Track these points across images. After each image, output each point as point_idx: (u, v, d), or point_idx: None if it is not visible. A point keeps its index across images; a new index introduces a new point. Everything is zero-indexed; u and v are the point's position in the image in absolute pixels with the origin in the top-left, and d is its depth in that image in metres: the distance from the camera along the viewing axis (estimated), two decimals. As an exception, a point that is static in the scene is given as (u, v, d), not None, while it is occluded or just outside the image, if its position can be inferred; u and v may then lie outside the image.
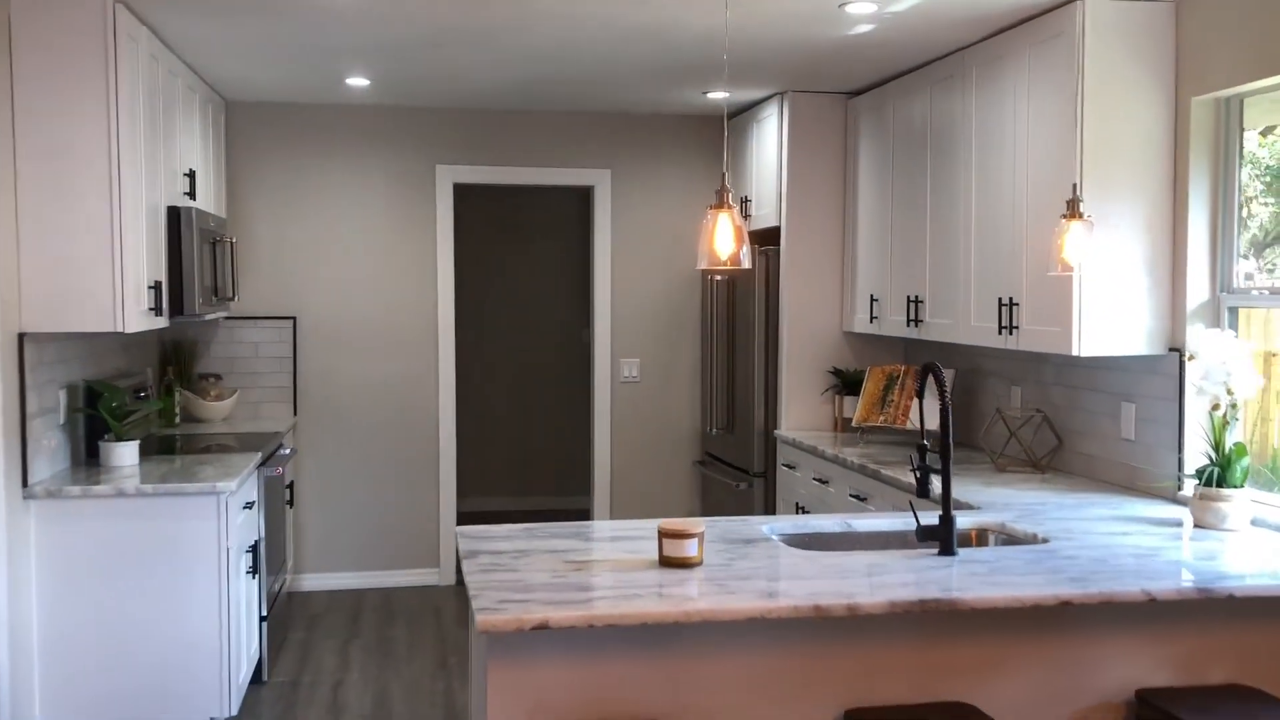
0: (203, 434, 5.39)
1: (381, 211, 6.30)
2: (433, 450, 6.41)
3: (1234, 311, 3.67)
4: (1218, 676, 2.83)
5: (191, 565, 4.01)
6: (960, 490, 3.85)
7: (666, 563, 2.78)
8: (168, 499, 3.98)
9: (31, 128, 3.84)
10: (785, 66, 5.02)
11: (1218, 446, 3.28)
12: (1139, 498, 3.80)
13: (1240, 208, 3.68)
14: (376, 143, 6.27)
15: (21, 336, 3.84)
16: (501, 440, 8.41)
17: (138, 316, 4.10)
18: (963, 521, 3.35)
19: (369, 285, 6.29)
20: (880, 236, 5.27)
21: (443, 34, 4.44)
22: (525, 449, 8.46)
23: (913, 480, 4.04)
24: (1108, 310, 3.77)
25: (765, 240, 5.81)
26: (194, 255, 4.65)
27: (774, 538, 3.15)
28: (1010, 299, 4.09)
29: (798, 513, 5.24)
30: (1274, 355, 3.50)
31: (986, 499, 3.75)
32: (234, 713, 4.18)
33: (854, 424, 5.21)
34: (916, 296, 4.88)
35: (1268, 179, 3.67)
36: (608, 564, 2.83)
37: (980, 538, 3.38)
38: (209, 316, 5.27)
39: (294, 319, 6.20)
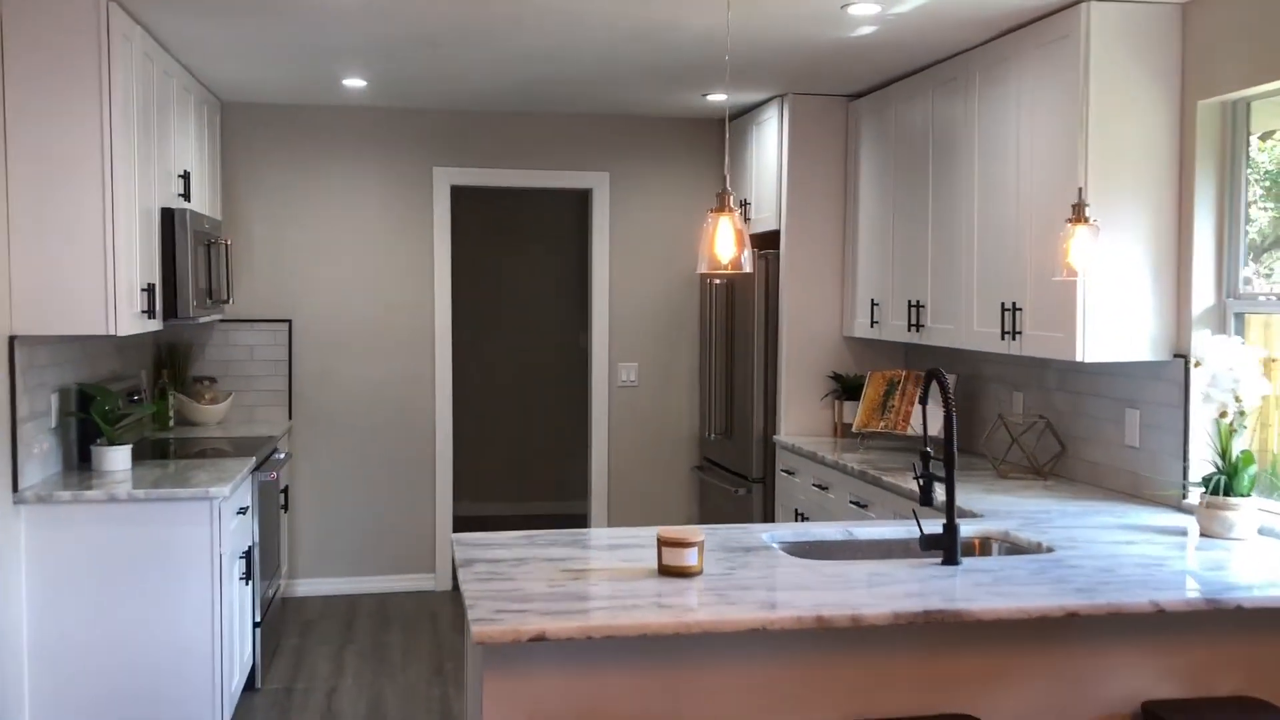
0: (197, 438, 5.34)
1: (378, 214, 6.25)
2: (429, 454, 6.36)
3: (1240, 317, 3.63)
4: (1225, 688, 2.78)
5: (184, 571, 3.95)
6: (962, 497, 3.80)
7: (666, 572, 2.73)
8: (160, 504, 3.93)
9: (23, 127, 3.79)
10: (786, 68, 4.98)
11: (1224, 454, 3.24)
12: (1143, 505, 3.76)
13: (1245, 212, 3.64)
14: (373, 144, 6.23)
15: (12, 339, 3.79)
16: (498, 444, 8.37)
17: (130, 319, 4.05)
18: (965, 529, 3.31)
19: (365, 288, 6.24)
20: (881, 240, 5.23)
21: (440, 33, 4.40)
22: (522, 453, 8.41)
23: (914, 487, 4.01)
24: (1112, 316, 3.72)
25: (765, 244, 5.76)
26: (188, 257, 4.60)
27: (774, 546, 3.10)
28: (1013, 304, 4.05)
29: (797, 519, 5.20)
30: (1273, 361, 3.45)
31: (989, 506, 3.71)
32: (226, 721, 4.14)
33: (854, 429, 5.17)
34: (918, 301, 4.84)
35: (1266, 184, 3.63)
36: (606, 573, 2.78)
37: (983, 546, 3.34)
38: (203, 319, 5.22)
39: (289, 322, 6.15)
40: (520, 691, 2.46)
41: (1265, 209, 3.62)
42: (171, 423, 5.64)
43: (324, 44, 4.59)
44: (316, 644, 5.39)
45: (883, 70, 4.98)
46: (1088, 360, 3.72)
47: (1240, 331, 3.61)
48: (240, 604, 4.42)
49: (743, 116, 6.13)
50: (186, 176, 4.92)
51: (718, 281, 6.16)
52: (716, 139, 6.53)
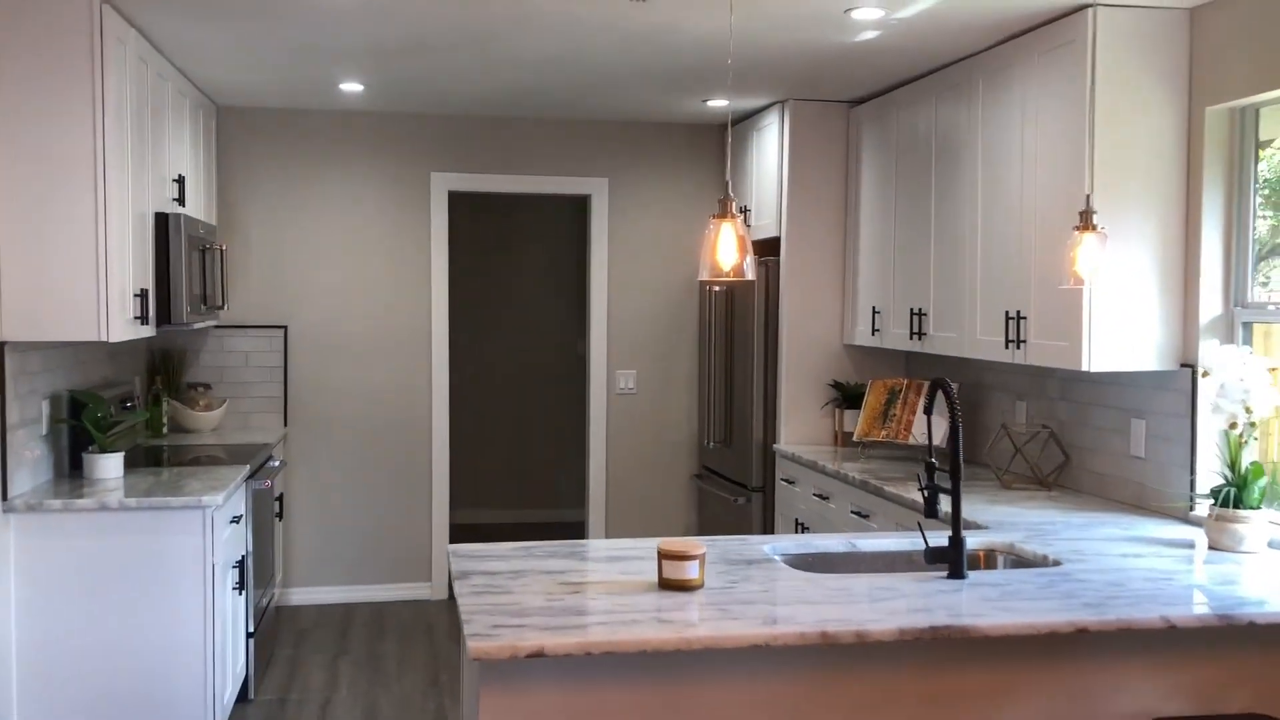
0: (191, 445, 5.28)
1: (375, 219, 6.20)
2: (425, 462, 6.30)
3: (1248, 327, 3.58)
4: (1235, 705, 2.73)
5: (176, 581, 3.89)
6: (966, 508, 3.75)
7: (666, 585, 2.68)
8: (152, 513, 3.87)
9: (14, 130, 3.73)
10: (787, 73, 4.93)
11: (1233, 466, 3.19)
12: (1150, 517, 3.70)
13: (1254, 220, 3.59)
14: (370, 149, 6.18)
15: (2, 345, 3.73)
16: (495, 452, 8.31)
17: (122, 325, 3.99)
18: (971, 541, 3.25)
19: (361, 294, 6.19)
20: (882, 247, 5.18)
21: (438, 36, 4.35)
22: (519, 460, 8.35)
23: (916, 497, 3.96)
24: (1118, 325, 3.67)
25: (765, 250, 5.72)
26: (182, 262, 4.55)
27: (776, 558, 3.05)
28: (1018, 312, 4.00)
29: (797, 529, 5.14)
30: (1275, 370, 3.40)
31: (993, 518, 3.65)
32: (218, 733, 4.07)
33: (855, 438, 5.12)
34: (920, 309, 4.79)
35: (1265, 191, 3.59)
36: (605, 586, 2.73)
37: (989, 559, 3.28)
38: (198, 325, 5.17)
39: (285, 328, 6.10)
40: (518, 708, 2.40)
41: (1264, 217, 3.58)
42: (165, 430, 5.58)
43: (320, 47, 4.54)
44: (311, 654, 5.33)
45: (884, 76, 4.94)
46: (1094, 370, 3.67)
47: (1248, 341, 3.57)
48: (233, 614, 4.36)
49: (743, 122, 6.09)
50: (181, 181, 4.86)
51: (717, 288, 6.11)
52: (716, 145, 6.48)
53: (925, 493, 2.96)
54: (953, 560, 2.84)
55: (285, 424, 6.09)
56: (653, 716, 2.46)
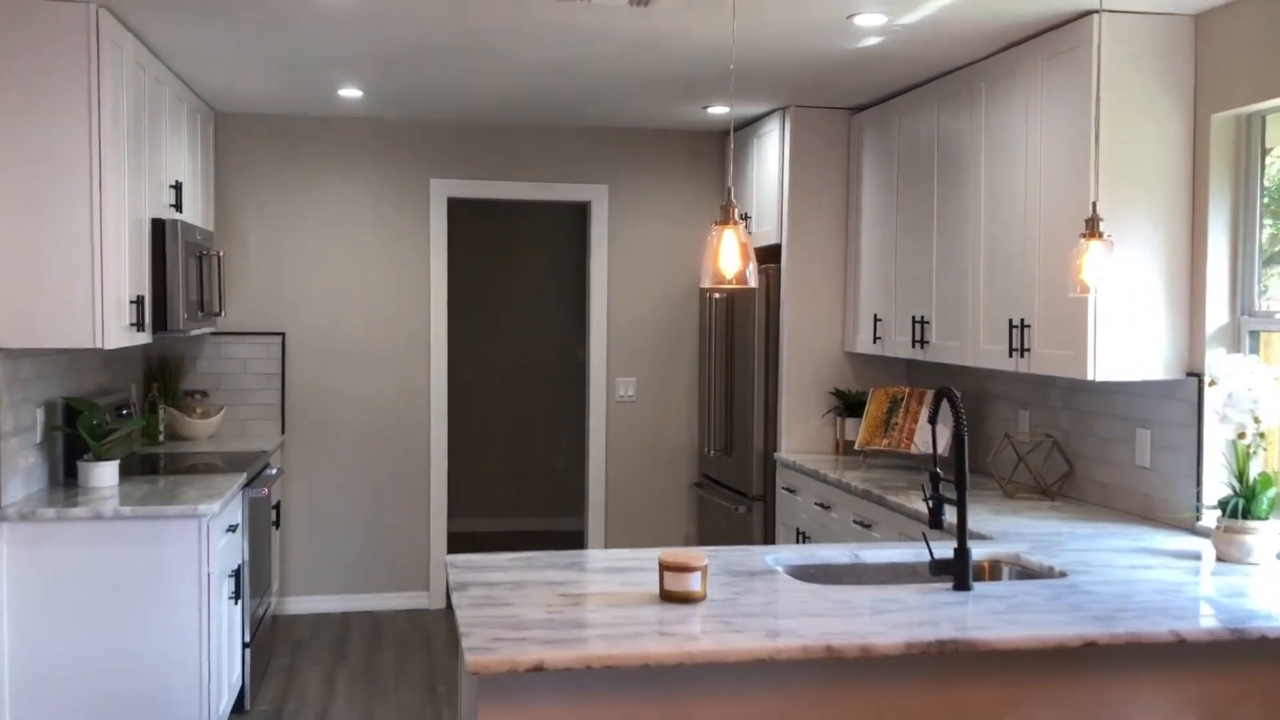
0: (187, 453, 5.23)
1: (374, 226, 6.17)
2: (423, 470, 6.26)
3: (1255, 335, 3.55)
4: (1245, 720, 2.69)
5: (171, 591, 3.85)
6: (970, 518, 3.70)
7: (668, 597, 2.64)
8: (147, 522, 3.83)
9: (9, 134, 3.70)
10: (789, 80, 4.91)
11: (1241, 476, 3.15)
12: (1156, 528, 3.66)
13: (1261, 228, 3.56)
14: (369, 156, 6.15)
15: (-4, 352, 3.69)
16: (494, 460, 8.27)
17: (118, 332, 3.95)
18: (975, 552, 3.21)
19: (360, 301, 6.15)
20: (884, 255, 5.15)
21: (438, 42, 4.31)
22: (518, 469, 8.31)
23: (919, 507, 3.92)
24: (1124, 333, 3.64)
25: (766, 258, 5.68)
26: (179, 269, 4.51)
27: (779, 569, 3.00)
28: (1021, 321, 3.97)
29: (799, 539, 5.10)
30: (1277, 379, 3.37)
31: (997, 528, 3.61)
32: (213, 745, 4.02)
33: (856, 447, 5.08)
34: (922, 317, 4.75)
35: (1265, 200, 3.55)
36: (606, 598, 2.69)
37: (994, 570, 3.24)
38: (195, 332, 5.13)
39: (283, 335, 6.06)
40: (516, 723, 2.36)
41: (1265, 225, 3.55)
42: (162, 437, 5.54)
43: (319, 53, 4.51)
44: (307, 664, 5.28)
45: (886, 83, 4.91)
46: (1099, 379, 3.63)
47: (1255, 350, 3.53)
48: (229, 624, 4.31)
49: (743, 129, 6.06)
50: (178, 187, 4.83)
51: (717, 296, 6.08)
52: (716, 152, 6.45)
53: (930, 503, 2.92)
54: (958, 572, 2.80)
55: (283, 431, 6.05)
56: (654, 731, 2.42)
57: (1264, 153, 3.55)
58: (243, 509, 4.57)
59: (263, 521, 5.13)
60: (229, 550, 4.31)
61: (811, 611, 2.58)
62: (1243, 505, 3.13)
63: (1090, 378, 3.63)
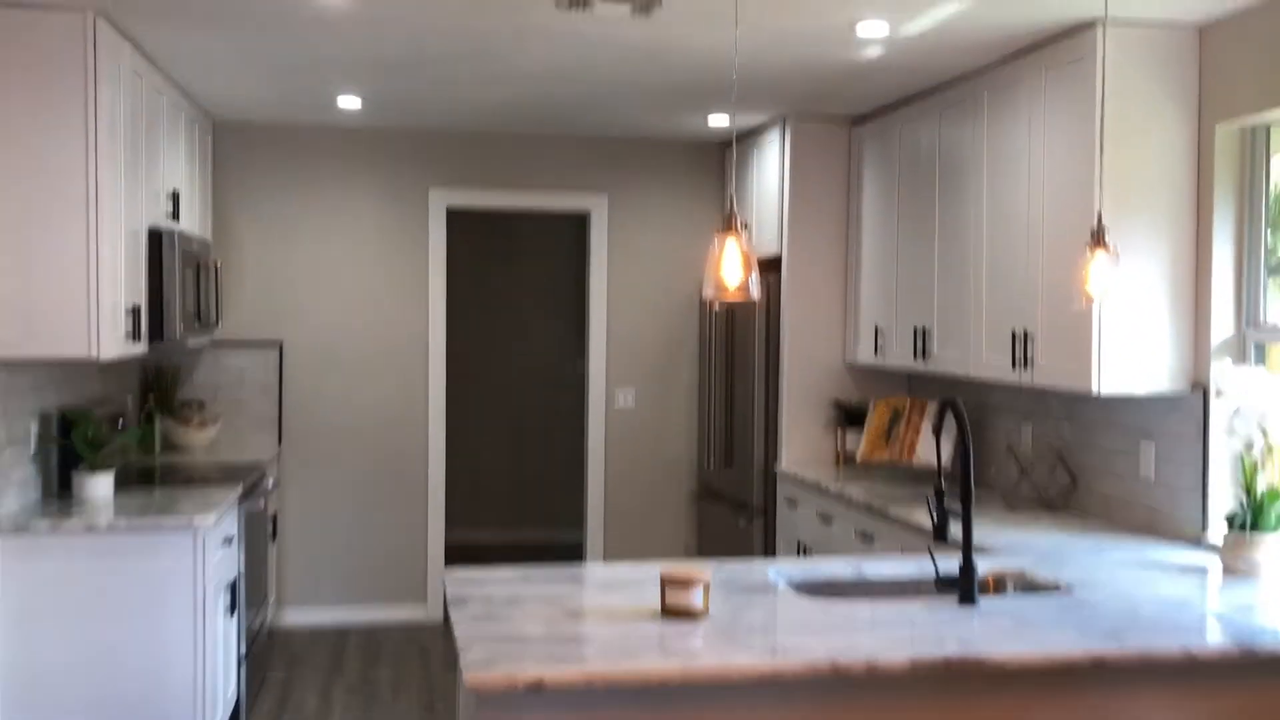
0: (183, 464, 5.19)
1: (372, 236, 6.14)
2: (421, 481, 6.22)
3: (1260, 348, 3.52)
4: (1255, 737, 2.65)
5: (166, 604, 3.81)
6: (974, 532, 3.66)
7: (669, 612, 2.60)
8: (141, 534, 3.79)
9: (5, 142, 3.67)
10: (789, 90, 4.88)
11: (1249, 490, 3.12)
12: (1161, 542, 3.63)
13: (1266, 240, 3.53)
14: (368, 165, 6.12)
15: (-10, 362, 3.66)
16: (491, 471, 8.22)
17: (114, 342, 3.91)
18: (980, 566, 3.15)
19: (358, 311, 6.12)
20: (885, 266, 5.12)
21: (437, 50, 4.29)
22: (516, 480, 8.26)
23: (922, 520, 3.89)
24: (1129, 345, 3.61)
25: (766, 268, 5.64)
26: (176, 279, 4.48)
27: (781, 583, 2.97)
28: (1025, 332, 3.94)
29: (799, 552, 5.06)
30: None
31: (1001, 541, 3.58)
32: (208, 760, 3.98)
33: (858, 459, 5.04)
34: (924, 328, 4.72)
35: (1269, 211, 3.53)
36: (606, 613, 2.65)
37: (998, 584, 3.20)
38: (191, 342, 5.09)
39: (280, 345, 6.02)
40: (515, 741, 2.32)
41: (1268, 234, 3.53)
42: (158, 448, 5.50)
43: (318, 61, 4.48)
44: (304, 678, 5.23)
45: (888, 93, 4.89)
46: (1104, 392, 3.60)
47: (1261, 362, 3.50)
48: (224, 637, 4.26)
49: (743, 140, 6.03)
50: (175, 196, 4.80)
51: (717, 306, 6.05)
52: (716, 162, 6.43)
53: (935, 516, 2.89)
54: (964, 587, 2.76)
55: (280, 442, 6.01)
56: (656, 749, 2.37)
57: (1269, 163, 3.53)
58: (239, 521, 4.52)
59: (259, 533, 5.09)
60: (225, 563, 4.27)
61: (815, 627, 2.54)
62: (1250, 519, 3.10)
63: (1095, 391, 3.60)
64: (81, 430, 4.13)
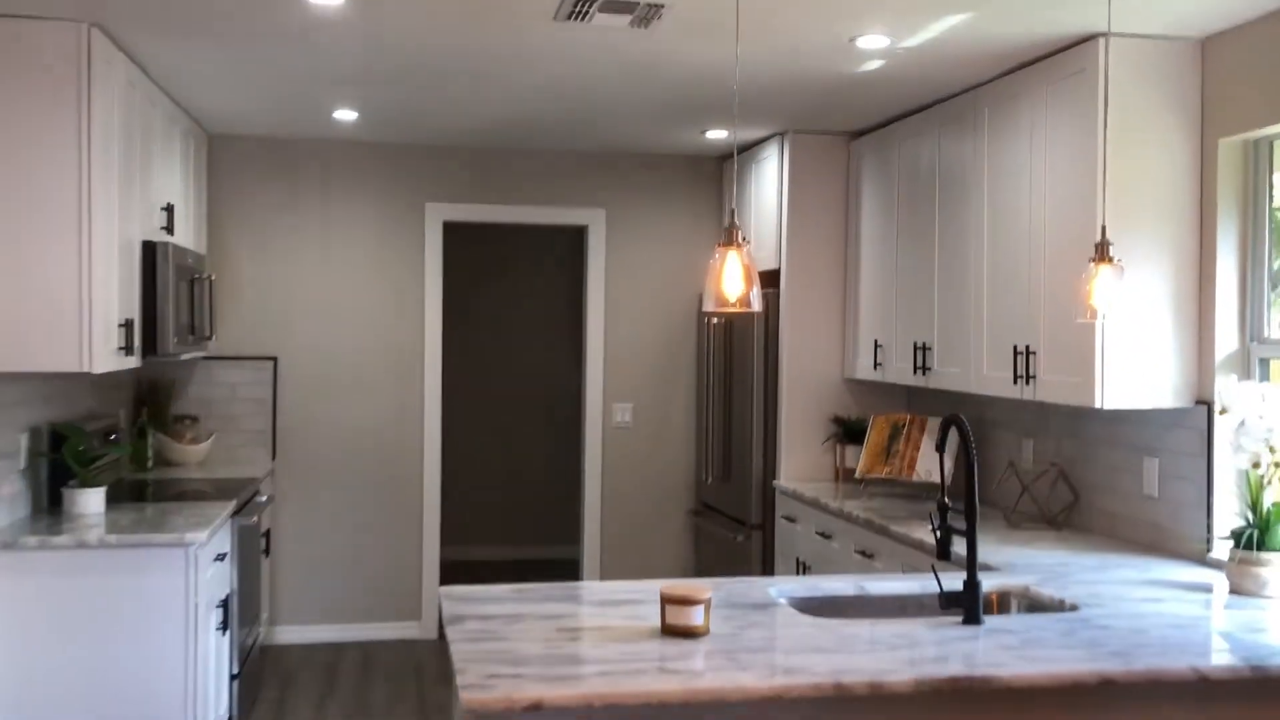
0: (176, 479, 5.14)
1: (368, 250, 6.10)
2: (416, 497, 6.16)
3: (1264, 363, 3.49)
4: (1265, 759, 2.60)
5: (157, 622, 3.75)
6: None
7: (670, 631, 2.55)
8: (132, 551, 3.73)
9: (-3, 155, 3.63)
10: (788, 105, 4.86)
11: (1255, 507, 3.08)
12: (1165, 559, 3.58)
13: (1270, 255, 3.50)
14: (364, 179, 6.09)
15: (-20, 376, 3.61)
16: (487, 486, 8.17)
17: (106, 356, 3.87)
18: (984, 584, 3.12)
19: (353, 326, 6.08)
20: (885, 281, 5.09)
21: (434, 63, 4.26)
22: (512, 495, 8.21)
23: (923, 537, 3.84)
24: (1132, 360, 3.58)
25: (764, 283, 5.62)
26: (169, 292, 4.43)
27: (783, 601, 2.92)
28: (1026, 347, 3.90)
29: (799, 569, 5.01)
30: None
31: (1003, 559, 3.53)
32: (199, 781, 3.91)
33: (857, 475, 5.00)
34: (924, 343, 4.69)
35: (1273, 225, 3.50)
36: (605, 632, 2.60)
37: (1002, 602, 3.16)
38: (185, 356, 5.05)
39: (274, 359, 5.98)
40: (513, 763, 2.27)
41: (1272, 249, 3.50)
42: (150, 463, 5.44)
43: (315, 73, 4.45)
44: (297, 697, 5.17)
45: (887, 107, 4.86)
46: (1107, 407, 3.56)
47: (1265, 377, 3.47)
48: (216, 655, 4.20)
49: (742, 154, 6.01)
50: (170, 209, 4.76)
51: (715, 320, 6.02)
52: (714, 177, 6.41)
53: (938, 534, 2.84)
54: (968, 605, 2.72)
55: (273, 457, 5.95)
56: (656, 772, 2.32)
57: (1272, 176, 3.50)
58: (232, 537, 4.47)
59: (252, 550, 5.03)
60: (217, 580, 4.21)
61: (819, 647, 2.50)
62: (1257, 536, 3.05)
63: (1099, 406, 3.56)
64: (72, 445, 4.08)
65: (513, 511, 8.19)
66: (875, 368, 5.16)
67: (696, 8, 3.47)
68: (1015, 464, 4.38)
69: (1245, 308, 3.54)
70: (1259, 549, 3.05)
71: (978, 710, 2.46)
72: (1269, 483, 3.07)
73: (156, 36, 3.92)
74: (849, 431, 5.34)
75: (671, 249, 6.39)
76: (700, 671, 2.31)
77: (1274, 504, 3.07)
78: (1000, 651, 2.48)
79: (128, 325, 4.11)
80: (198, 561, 3.82)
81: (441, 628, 2.66)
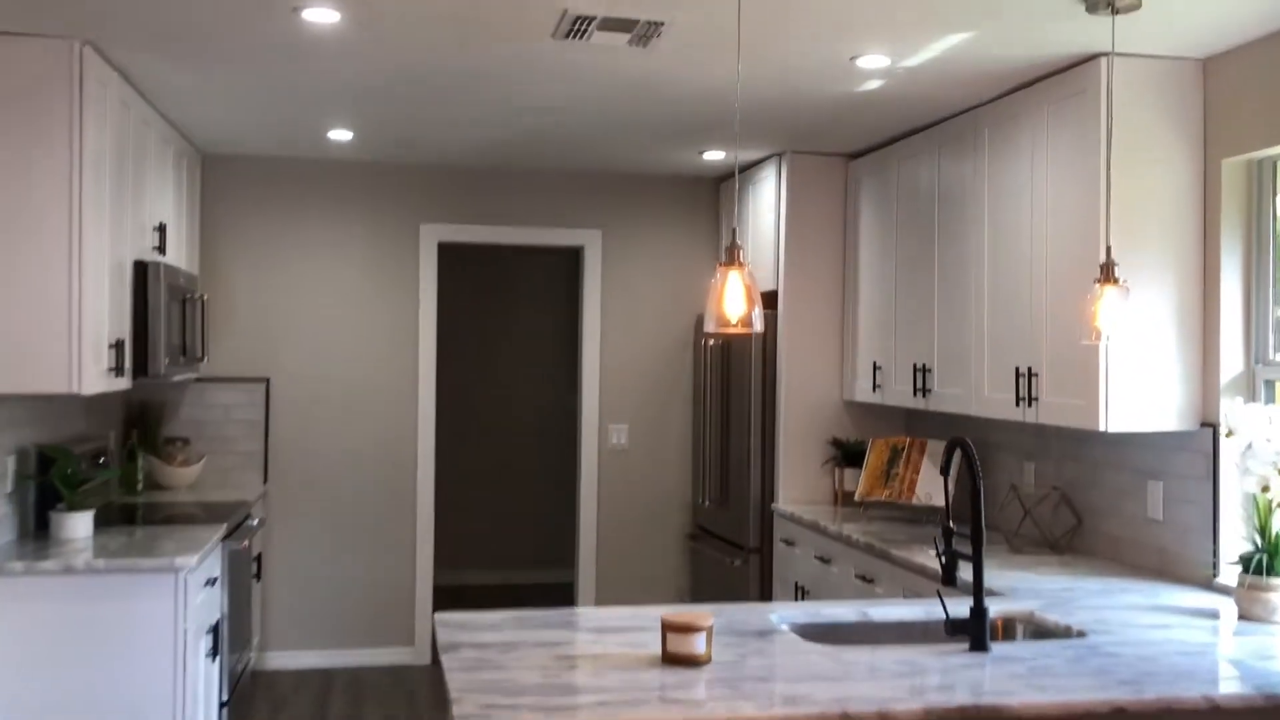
0: (166, 502, 5.07)
1: (362, 271, 6.06)
2: (409, 520, 6.09)
3: (1270, 385, 3.45)
4: (1278, 790, 2.54)
5: (145, 648, 3.67)
6: (979, 574, 3.57)
7: (670, 660, 2.49)
8: (120, 576, 3.66)
9: (-13, 173, 3.59)
10: (787, 125, 4.83)
11: (1263, 531, 3.03)
12: (1171, 584, 3.53)
13: (1275, 275, 3.47)
14: (358, 200, 6.05)
15: (-33, 397, 3.55)
16: (481, 510, 8.09)
17: (96, 377, 3.81)
18: (989, 609, 3.07)
19: (347, 347, 6.02)
20: (884, 302, 5.05)
21: (430, 82, 4.22)
22: (506, 519, 8.13)
23: (925, 561, 3.79)
24: (1136, 382, 3.53)
25: (762, 304, 5.57)
26: (161, 313, 4.38)
27: (784, 628, 2.86)
28: (1029, 369, 3.86)
29: (797, 593, 4.95)
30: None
31: (1007, 584, 3.48)
32: (187, 811, 3.83)
33: (856, 498, 4.95)
34: (924, 365, 4.65)
35: (1277, 246, 3.47)
36: (604, 660, 2.54)
37: (1007, 628, 3.11)
38: (176, 378, 4.99)
39: (267, 381, 5.92)
40: (510, 796, 2.20)
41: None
42: (141, 486, 5.37)
43: (309, 93, 4.41)
44: (287, 723, 5.09)
45: (885, 128, 4.84)
46: (1111, 430, 3.52)
47: (1271, 399, 3.43)
48: (206, 682, 4.13)
49: (739, 175, 5.99)
50: (162, 229, 4.71)
51: (713, 342, 5.97)
52: (711, 198, 6.38)
53: (943, 559, 2.79)
54: (975, 633, 2.66)
55: (265, 480, 5.88)
56: (657, 805, 2.26)
57: (1276, 197, 3.47)
58: (222, 561, 4.40)
59: (243, 574, 4.96)
60: (207, 605, 4.14)
61: (823, 675, 2.44)
62: (1266, 561, 3.00)
63: (1103, 428, 3.52)
64: (60, 467, 4.01)
65: (507, 535, 8.11)
66: (874, 390, 5.12)
67: (696, 26, 3.44)
68: (1017, 487, 4.33)
69: (1250, 329, 3.50)
70: (1268, 574, 3.00)
71: (986, 740, 2.40)
72: (1278, 506, 3.02)
73: (150, 55, 3.88)
74: (848, 454, 5.29)
75: (668, 270, 6.35)
76: (702, 701, 2.25)
77: (1283, 528, 3.02)
78: (1009, 680, 2.43)
79: (118, 346, 4.06)
80: (187, 587, 3.75)
81: (435, 653, 2.60)
